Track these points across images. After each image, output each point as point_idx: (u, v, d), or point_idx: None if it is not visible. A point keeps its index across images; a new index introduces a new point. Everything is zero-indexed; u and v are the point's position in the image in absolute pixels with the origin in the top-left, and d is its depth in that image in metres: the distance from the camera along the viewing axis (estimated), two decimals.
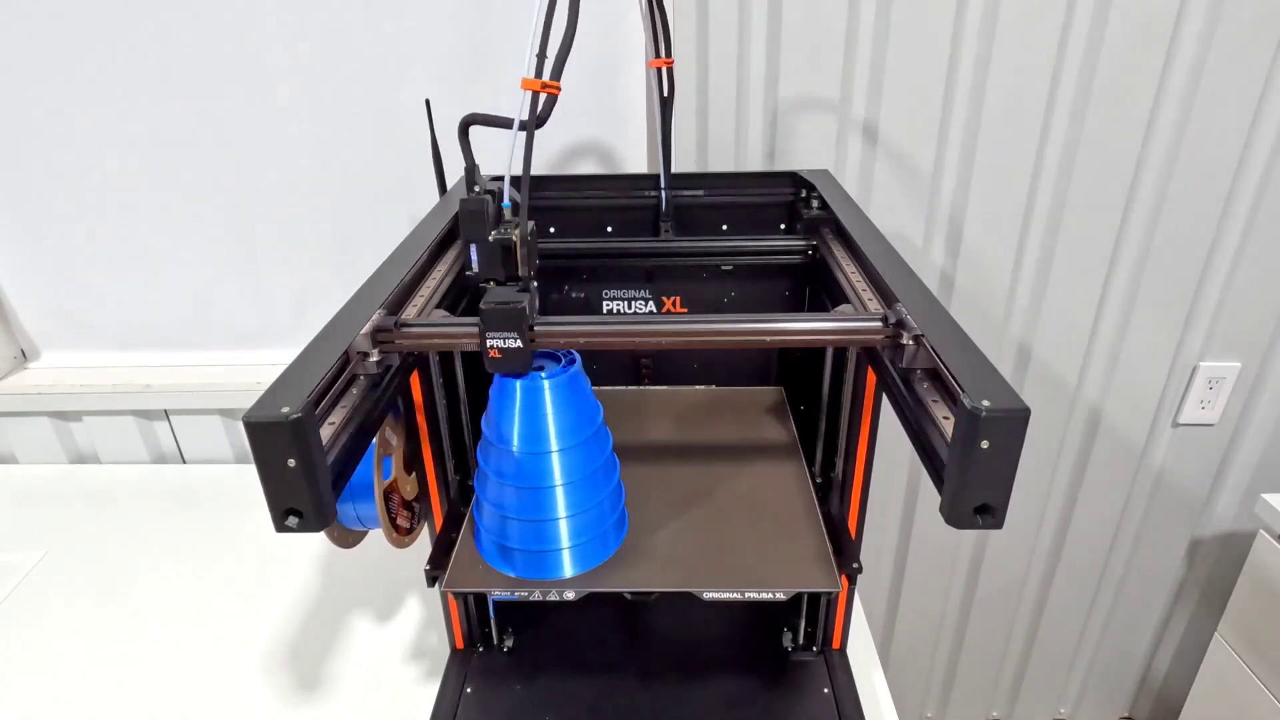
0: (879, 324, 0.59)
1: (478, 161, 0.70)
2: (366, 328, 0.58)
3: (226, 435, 1.34)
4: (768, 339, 0.61)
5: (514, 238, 0.60)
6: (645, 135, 1.10)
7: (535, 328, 0.59)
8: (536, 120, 0.56)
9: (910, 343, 0.55)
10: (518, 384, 0.66)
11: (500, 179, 0.62)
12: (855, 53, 1.05)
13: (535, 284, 0.61)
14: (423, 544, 0.79)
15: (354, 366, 0.58)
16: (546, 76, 0.56)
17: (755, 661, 0.86)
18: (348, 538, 0.76)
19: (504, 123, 0.59)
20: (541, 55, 0.55)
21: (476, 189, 0.62)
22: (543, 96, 0.56)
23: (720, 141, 1.11)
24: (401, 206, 1.17)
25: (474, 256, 0.61)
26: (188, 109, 1.11)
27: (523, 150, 0.56)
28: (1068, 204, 1.14)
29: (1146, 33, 1.02)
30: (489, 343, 0.59)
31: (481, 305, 0.58)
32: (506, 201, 0.62)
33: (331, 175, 1.15)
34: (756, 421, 0.94)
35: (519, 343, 0.58)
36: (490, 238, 0.60)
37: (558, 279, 0.92)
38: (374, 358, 0.58)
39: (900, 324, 0.57)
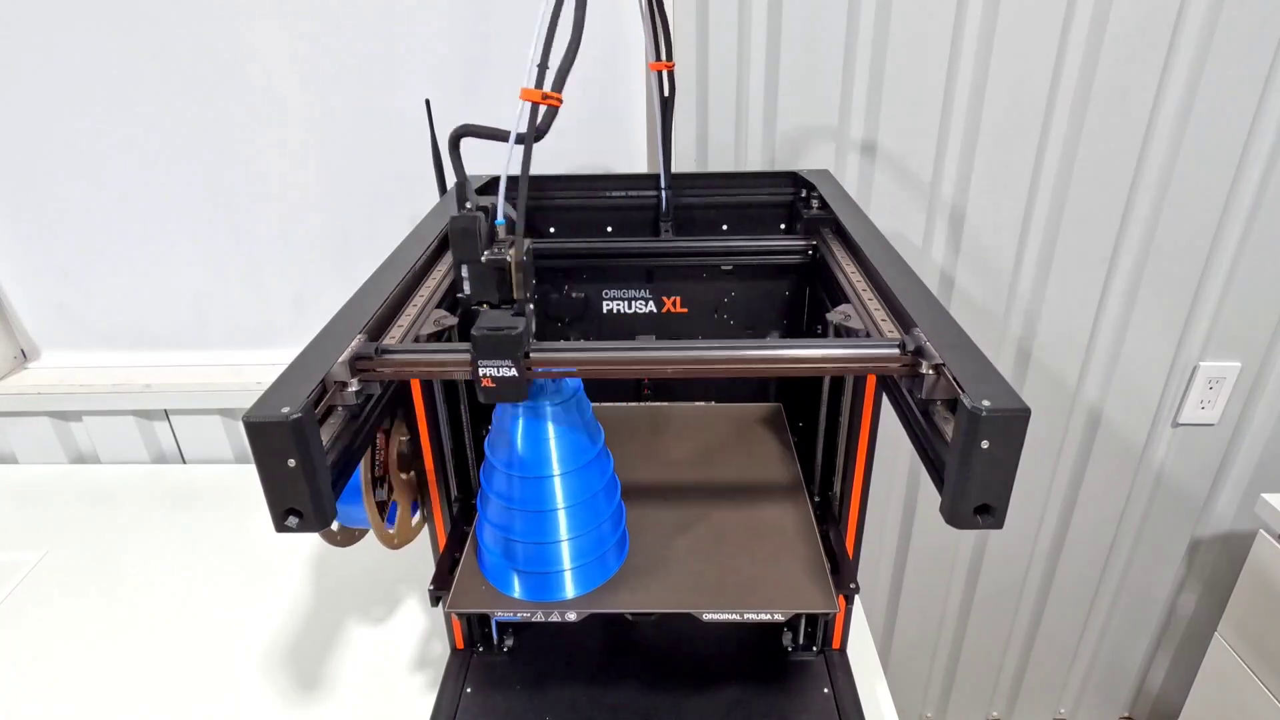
0: (896, 350, 0.55)
1: (476, 162, 0.69)
2: (344, 355, 0.54)
3: (226, 435, 1.34)
4: (778, 366, 0.57)
5: (509, 258, 0.55)
6: (645, 135, 1.10)
7: (531, 355, 0.54)
8: (535, 133, 0.52)
9: (930, 372, 0.52)
10: (520, 408, 0.67)
11: (496, 181, 0.59)
12: (855, 53, 1.05)
13: (531, 307, 0.56)
14: (424, 545, 0.79)
15: (330, 398, 0.53)
16: (548, 87, 0.52)
17: (755, 661, 0.86)
18: (344, 537, 0.76)
19: (500, 135, 0.55)
20: (543, 65, 0.52)
21: (468, 205, 0.57)
22: (543, 108, 0.52)
23: (720, 142, 1.11)
24: (401, 206, 1.17)
25: (465, 278, 0.57)
26: (188, 110, 1.11)
27: (520, 164, 0.52)
28: (1068, 204, 1.14)
29: (1146, 33, 1.02)
30: (481, 371, 0.53)
31: (473, 331, 0.53)
32: (501, 219, 0.58)
33: (332, 175, 1.15)
34: (755, 439, 0.94)
35: (514, 371, 0.53)
36: (483, 258, 0.56)
37: (558, 279, 0.92)
38: (353, 388, 0.54)
39: (919, 351, 0.53)
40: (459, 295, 0.58)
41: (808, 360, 0.57)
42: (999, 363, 1.26)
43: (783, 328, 0.94)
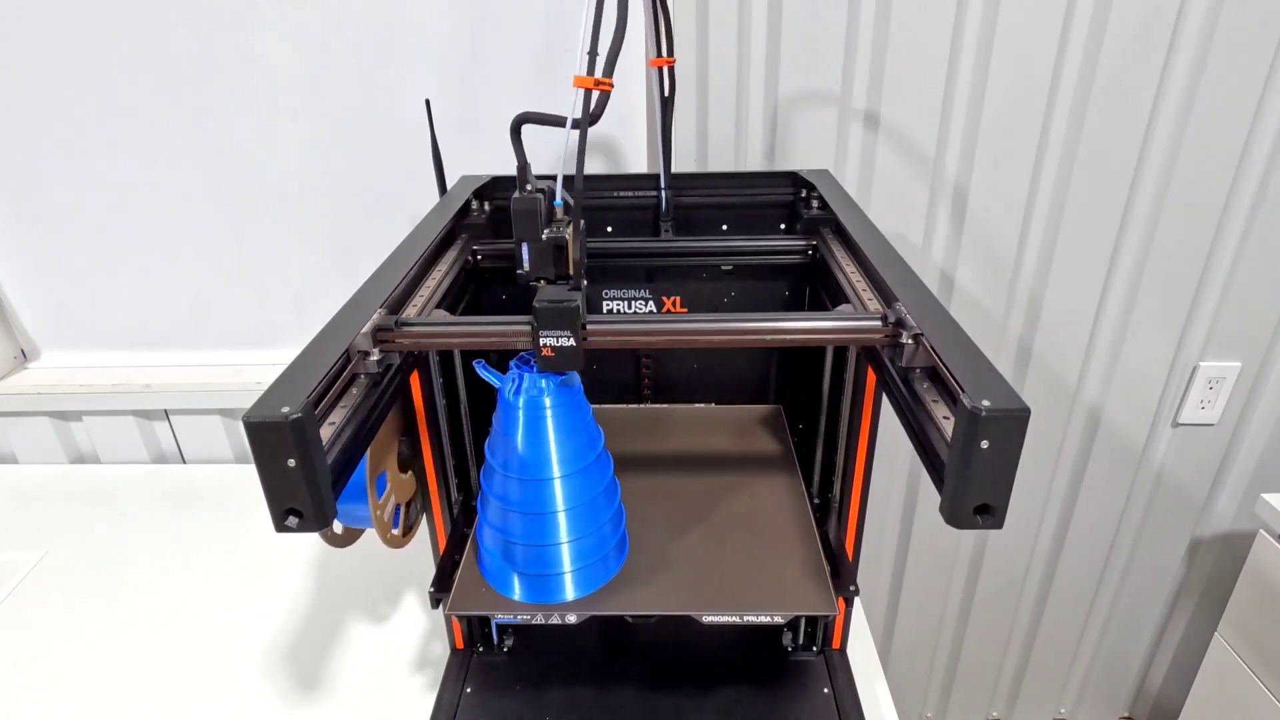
0: (878, 323, 0.59)
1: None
2: (367, 326, 0.58)
3: (226, 435, 1.34)
4: (779, 337, 0.62)
5: (567, 236, 0.60)
6: (645, 135, 1.10)
7: (588, 326, 0.59)
8: (590, 118, 0.57)
9: (910, 341, 0.56)
10: (520, 410, 0.67)
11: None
12: (855, 52, 1.05)
13: (585, 282, 0.61)
14: (424, 545, 0.79)
15: (354, 365, 0.58)
16: (599, 74, 0.56)
17: (755, 662, 0.86)
18: (342, 537, 0.76)
19: (557, 121, 0.59)
20: (593, 53, 0.55)
21: (529, 187, 0.62)
22: (595, 94, 0.56)
23: (720, 141, 1.11)
24: (401, 206, 1.17)
25: (525, 256, 0.61)
26: (188, 109, 1.11)
27: (576, 148, 0.56)
28: (1068, 204, 1.14)
29: (1146, 33, 1.02)
30: (542, 341, 0.59)
31: (535, 304, 0.58)
32: (559, 200, 0.62)
33: (331, 175, 1.15)
34: (755, 441, 0.94)
35: (572, 341, 0.58)
36: (543, 236, 0.60)
37: None
38: (375, 356, 0.58)
39: (899, 323, 0.57)
40: (518, 272, 0.62)
41: (802, 331, 0.61)
42: (999, 362, 1.26)
43: None
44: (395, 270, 0.68)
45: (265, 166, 1.14)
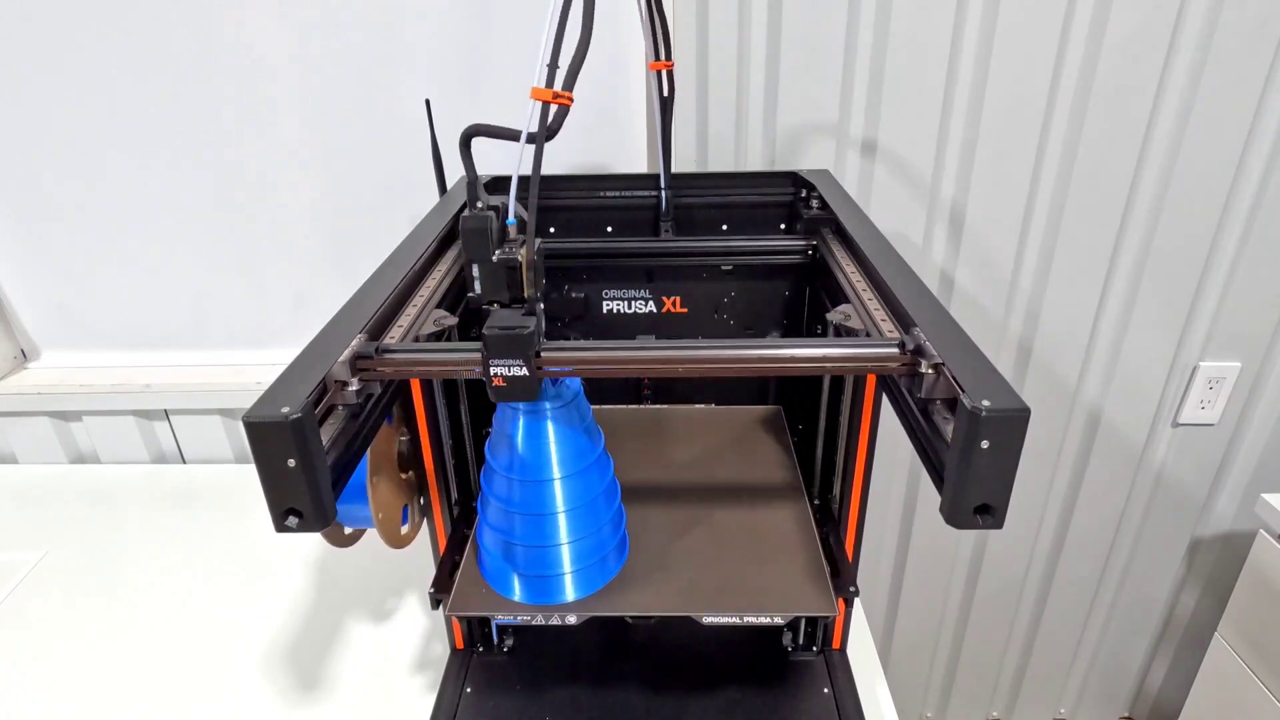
0: (895, 349, 0.55)
1: (477, 162, 0.69)
2: (345, 355, 0.54)
3: (226, 435, 1.34)
4: (781, 365, 0.57)
5: (520, 257, 0.56)
6: (645, 135, 1.10)
7: (542, 354, 0.55)
8: (546, 132, 0.53)
9: (930, 371, 0.52)
10: (520, 411, 0.67)
11: (505, 180, 0.60)
12: (855, 53, 1.05)
13: (541, 306, 0.57)
14: (424, 545, 0.79)
15: (331, 396, 0.53)
16: (558, 86, 0.52)
17: (755, 662, 0.86)
18: (343, 537, 0.76)
19: (511, 134, 0.55)
20: (553, 65, 0.52)
21: (480, 204, 0.58)
22: (553, 108, 0.53)
23: (720, 141, 1.11)
24: (401, 206, 1.17)
25: (475, 277, 0.57)
26: (188, 109, 1.11)
27: (531, 163, 0.53)
28: (1068, 204, 1.14)
29: (1146, 33, 1.02)
30: (493, 370, 0.54)
31: (484, 330, 0.53)
32: (512, 218, 0.58)
33: (332, 175, 1.15)
34: (755, 442, 0.94)
35: (525, 370, 0.54)
36: (494, 257, 0.56)
37: (558, 279, 0.92)
38: (353, 387, 0.54)
39: (919, 350, 0.54)
40: (469, 295, 0.58)
41: (810, 360, 0.57)
42: (999, 363, 1.26)
43: (782, 328, 0.94)
44: (381, 286, 0.65)
45: (265, 166, 1.14)
